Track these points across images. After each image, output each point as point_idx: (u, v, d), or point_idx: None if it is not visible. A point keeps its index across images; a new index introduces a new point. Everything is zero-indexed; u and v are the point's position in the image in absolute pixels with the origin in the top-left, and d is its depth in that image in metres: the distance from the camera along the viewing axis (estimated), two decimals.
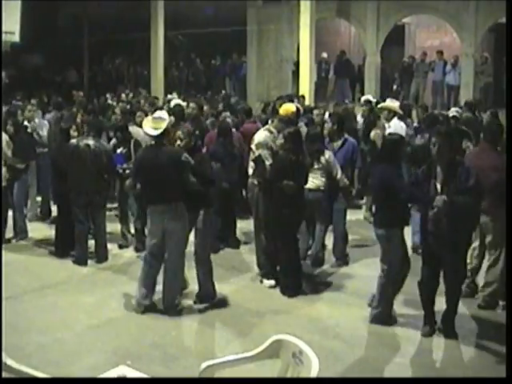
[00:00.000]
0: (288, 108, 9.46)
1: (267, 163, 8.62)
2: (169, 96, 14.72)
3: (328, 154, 9.28)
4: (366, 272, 9.30)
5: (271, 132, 8.92)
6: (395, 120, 11.71)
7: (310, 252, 9.62)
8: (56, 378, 4.06)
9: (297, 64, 21.75)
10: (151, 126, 7.62)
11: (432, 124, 10.22)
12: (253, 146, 8.94)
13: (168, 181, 7.52)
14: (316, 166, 9.20)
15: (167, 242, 7.63)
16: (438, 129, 7.30)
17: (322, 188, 9.25)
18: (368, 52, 23.35)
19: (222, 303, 8.09)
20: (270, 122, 9.64)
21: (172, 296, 7.72)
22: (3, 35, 18.52)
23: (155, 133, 7.58)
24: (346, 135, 9.83)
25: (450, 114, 12.28)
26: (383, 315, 7.43)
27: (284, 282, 8.49)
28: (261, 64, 25.50)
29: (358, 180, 9.75)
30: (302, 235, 9.19)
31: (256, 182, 8.90)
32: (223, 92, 23.15)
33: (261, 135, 8.97)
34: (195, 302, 7.97)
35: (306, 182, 8.70)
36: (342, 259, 9.71)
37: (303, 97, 17.00)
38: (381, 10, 22.81)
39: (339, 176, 9.25)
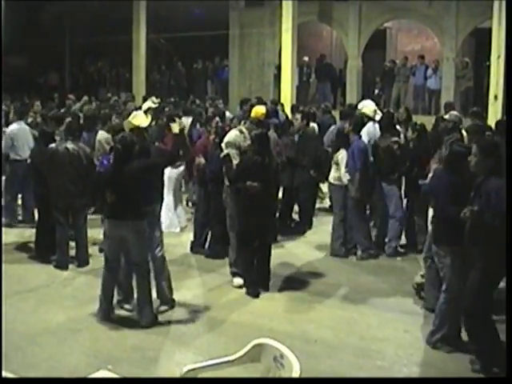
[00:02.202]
0: (258, 110, 9.72)
1: (234, 162, 8.81)
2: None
3: (341, 152, 10.01)
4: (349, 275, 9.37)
5: (242, 132, 9.10)
6: (369, 124, 11.64)
7: None
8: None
9: (279, 68, 21.78)
10: None
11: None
12: (223, 145, 9.13)
13: None
14: (334, 160, 10.15)
15: None
16: (478, 141, 6.89)
17: (334, 182, 10.14)
18: (349, 56, 23.44)
19: (202, 307, 8.09)
20: (242, 123, 9.81)
21: None
22: None
23: None
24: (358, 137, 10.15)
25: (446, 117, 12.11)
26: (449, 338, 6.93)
27: (248, 280, 8.59)
28: (243, 67, 25.53)
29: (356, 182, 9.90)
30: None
31: (227, 183, 9.00)
32: (210, 95, 23.08)
33: (231, 134, 9.17)
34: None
35: (275, 183, 8.88)
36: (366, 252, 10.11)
37: (259, 99, 16.62)
38: (362, 15, 22.92)
39: (341, 173, 9.91)
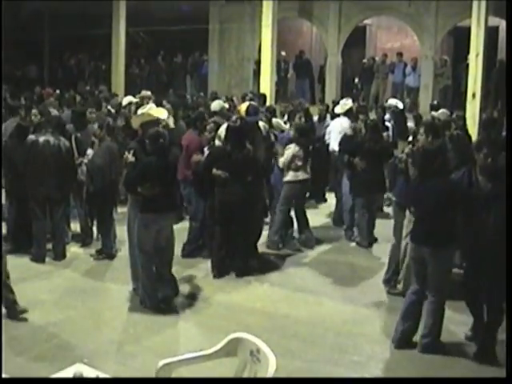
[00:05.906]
0: (240, 108, 9.84)
1: None
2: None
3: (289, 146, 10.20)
4: (324, 270, 9.40)
5: None
6: (340, 118, 12.27)
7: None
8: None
9: (258, 63, 21.76)
10: None
11: None
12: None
13: None
14: None
15: None
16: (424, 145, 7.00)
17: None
18: (329, 52, 23.44)
19: (180, 301, 8.07)
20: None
21: None
22: None
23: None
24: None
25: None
26: (436, 343, 6.75)
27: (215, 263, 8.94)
28: (222, 62, 25.48)
29: None
30: None
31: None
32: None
33: (221, 128, 9.40)
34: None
35: (250, 174, 8.81)
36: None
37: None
38: (342, 11, 22.91)
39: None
